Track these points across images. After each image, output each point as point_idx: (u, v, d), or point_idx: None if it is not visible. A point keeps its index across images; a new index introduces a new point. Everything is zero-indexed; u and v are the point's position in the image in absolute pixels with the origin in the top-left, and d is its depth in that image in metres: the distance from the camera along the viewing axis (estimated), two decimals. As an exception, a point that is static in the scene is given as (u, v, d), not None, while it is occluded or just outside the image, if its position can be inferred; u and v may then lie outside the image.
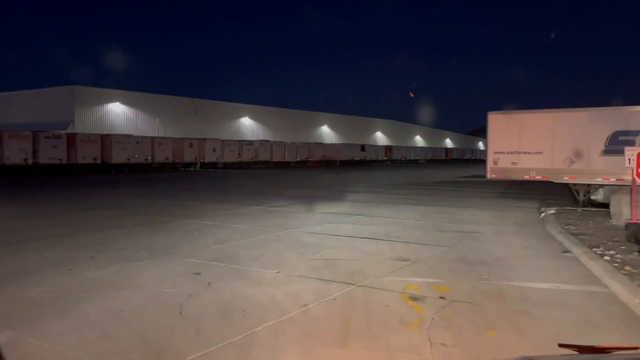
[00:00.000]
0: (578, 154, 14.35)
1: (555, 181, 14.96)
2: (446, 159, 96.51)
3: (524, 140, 15.22)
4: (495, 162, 15.76)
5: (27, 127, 35.28)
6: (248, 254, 8.31)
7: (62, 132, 33.89)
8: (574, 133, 14.48)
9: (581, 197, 14.63)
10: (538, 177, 15.07)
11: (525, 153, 15.22)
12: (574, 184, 14.75)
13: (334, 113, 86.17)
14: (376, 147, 74.85)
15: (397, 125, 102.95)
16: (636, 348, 1.88)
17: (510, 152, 15.46)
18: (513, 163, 15.43)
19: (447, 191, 22.36)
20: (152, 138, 40.21)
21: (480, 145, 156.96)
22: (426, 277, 6.86)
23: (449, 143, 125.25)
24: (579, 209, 13.97)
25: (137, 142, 38.30)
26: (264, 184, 26.44)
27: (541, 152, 14.97)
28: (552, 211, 13.32)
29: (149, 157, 39.13)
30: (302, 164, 58.91)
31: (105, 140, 35.97)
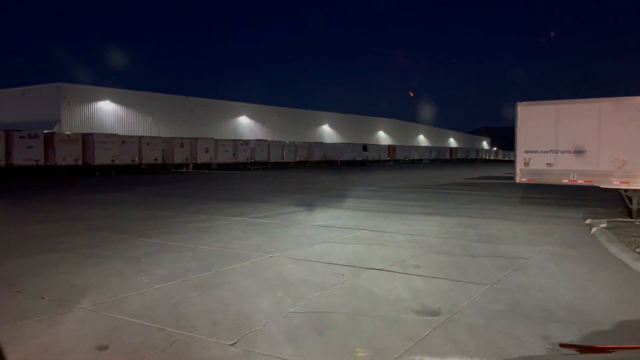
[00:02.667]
0: (632, 153, 11.65)
1: (602, 186, 12.27)
2: (450, 159, 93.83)
3: (563, 137, 12.53)
4: (526, 163, 13.07)
5: (12, 127, 32.79)
6: (199, 302, 5.64)
7: (39, 131, 31.27)
8: (627, 127, 11.77)
9: (635, 206, 11.92)
10: (580, 181, 12.38)
11: (564, 152, 12.53)
12: (626, 190, 12.06)
13: (335, 112, 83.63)
14: (379, 147, 72.16)
15: (400, 124, 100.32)
16: (637, 348, 1.76)
17: (545, 151, 12.78)
18: (549, 164, 12.74)
19: (461, 195, 19.68)
20: (140, 137, 37.54)
21: (484, 144, 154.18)
22: (475, 355, 4.19)
23: (452, 142, 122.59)
24: (637, 221, 11.27)
25: (123, 142, 35.65)
26: (255, 188, 23.79)
27: (584, 151, 12.28)
28: (604, 224, 10.63)
29: (136, 158, 36.48)
30: (301, 165, 56.30)
31: (87, 139, 33.32)
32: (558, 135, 12.56)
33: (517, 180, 13.27)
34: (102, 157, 33.41)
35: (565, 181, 12.53)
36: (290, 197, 18.63)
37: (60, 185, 25.47)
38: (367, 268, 7.18)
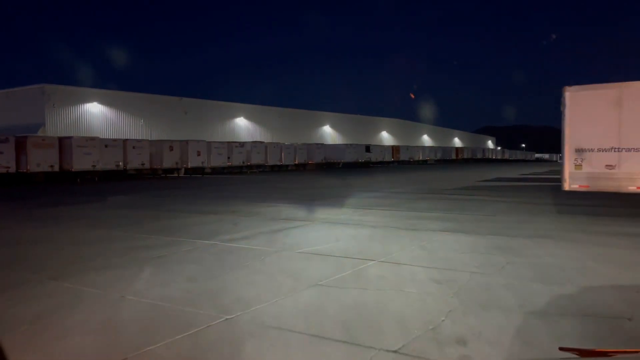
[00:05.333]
0: None
1: None
2: (456, 159, 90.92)
3: (629, 130, 9.64)
4: (577, 166, 10.19)
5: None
6: None
7: (10, 135, 28.50)
8: None
9: None
10: (654, 188, 9.47)
11: (630, 150, 9.63)
12: None
13: (337, 112, 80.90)
14: (382, 148, 69.26)
15: (403, 124, 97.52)
16: (636, 352, 1.70)
17: (604, 150, 9.91)
18: (609, 166, 9.86)
19: (482, 203, 16.75)
20: (125, 141, 34.79)
21: (490, 144, 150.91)
22: None
23: (457, 142, 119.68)
24: None
25: (106, 146, 32.89)
26: (244, 195, 20.90)
27: (659, 148, 9.38)
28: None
29: (121, 163, 33.69)
30: (301, 167, 53.49)
31: (65, 143, 30.54)
32: (622, 128, 9.67)
33: (566, 187, 10.39)
34: (81, 163, 30.61)
35: (631, 188, 9.65)
36: (282, 207, 15.77)
37: (26, 195, 22.72)
38: (381, 349, 4.28)
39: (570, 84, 10.47)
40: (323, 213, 14.07)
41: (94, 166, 31.38)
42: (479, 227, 11.09)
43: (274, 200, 18.05)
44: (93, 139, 32.58)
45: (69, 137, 31.44)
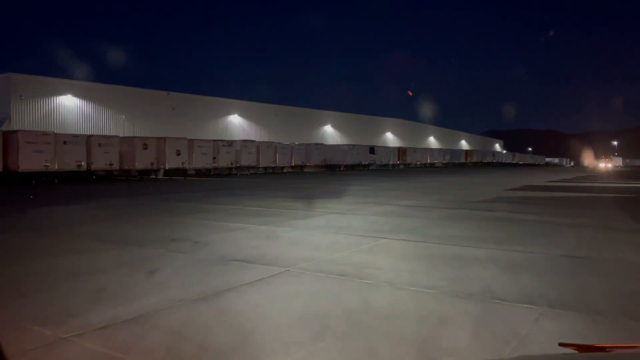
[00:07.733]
0: None
1: None
2: (466, 162, 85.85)
3: None
4: None
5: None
6: None
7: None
8: None
9: None
10: None
11: None
12: None
13: (339, 111, 75.95)
14: (387, 150, 64.18)
15: (409, 125, 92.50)
16: (636, 347, 1.71)
17: None
18: None
19: (540, 227, 11.65)
20: (89, 137, 29.84)
21: (497, 147, 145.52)
22: None
23: (464, 144, 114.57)
24: None
25: (65, 143, 27.91)
26: (209, 208, 15.79)
27: None
28: None
29: (83, 163, 28.70)
30: (298, 169, 48.53)
31: (9, 139, 25.57)
32: None
33: None
34: (30, 162, 25.60)
35: None
36: (250, 230, 10.73)
37: None
38: None
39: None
40: (308, 246, 9.03)
41: (46, 166, 26.37)
42: (584, 293, 6.04)
43: (245, 217, 13.00)
44: (46, 134, 27.58)
45: (15, 131, 26.49)
